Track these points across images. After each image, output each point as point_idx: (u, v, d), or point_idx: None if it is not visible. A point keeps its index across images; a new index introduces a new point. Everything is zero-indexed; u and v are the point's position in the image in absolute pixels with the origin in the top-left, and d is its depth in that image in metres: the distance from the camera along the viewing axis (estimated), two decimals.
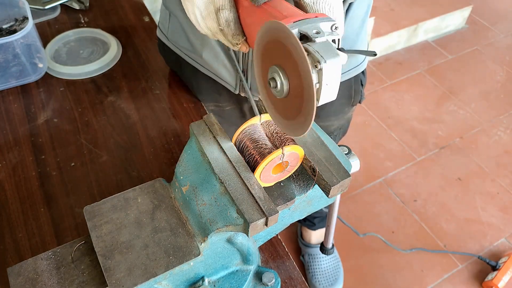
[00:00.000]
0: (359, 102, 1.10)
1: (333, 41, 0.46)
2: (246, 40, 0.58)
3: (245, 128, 0.59)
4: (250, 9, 0.54)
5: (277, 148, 0.56)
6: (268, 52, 0.48)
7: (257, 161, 0.56)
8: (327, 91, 0.43)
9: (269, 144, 0.58)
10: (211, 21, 0.58)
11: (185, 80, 1.05)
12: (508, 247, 1.88)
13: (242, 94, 0.95)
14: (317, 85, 0.43)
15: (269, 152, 0.56)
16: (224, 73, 0.93)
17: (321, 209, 1.56)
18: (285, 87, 0.46)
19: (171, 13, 0.96)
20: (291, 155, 0.56)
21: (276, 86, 0.46)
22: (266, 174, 0.57)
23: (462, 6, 2.88)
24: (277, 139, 0.58)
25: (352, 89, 1.06)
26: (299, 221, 1.71)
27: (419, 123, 2.36)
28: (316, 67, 0.42)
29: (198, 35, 0.90)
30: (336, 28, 0.46)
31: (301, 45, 0.41)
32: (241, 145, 0.59)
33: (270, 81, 0.47)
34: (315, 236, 1.75)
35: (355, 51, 0.97)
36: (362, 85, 1.08)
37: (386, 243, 1.79)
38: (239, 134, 0.59)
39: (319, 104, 0.44)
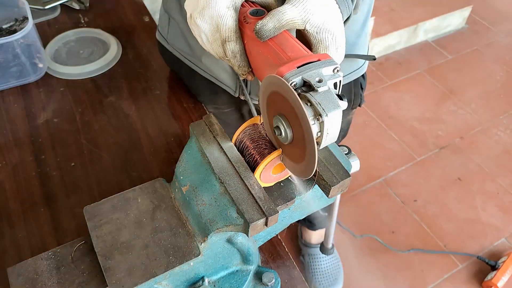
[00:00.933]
0: (359, 105, 1.10)
1: (335, 84, 0.49)
2: (251, 71, 0.59)
3: (245, 128, 0.59)
4: (256, 41, 0.55)
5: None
6: (273, 102, 0.51)
7: (257, 161, 0.56)
8: (328, 138, 0.47)
9: (269, 144, 0.58)
10: (217, 47, 0.59)
11: (185, 82, 1.05)
12: (508, 247, 1.88)
13: (242, 98, 0.95)
14: (319, 134, 0.46)
15: (269, 152, 0.56)
16: (224, 76, 0.93)
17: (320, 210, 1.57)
18: (289, 135, 0.49)
19: (171, 18, 0.95)
20: None
21: (281, 134, 0.50)
22: (266, 174, 0.57)
23: (462, 6, 2.88)
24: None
25: (352, 92, 1.06)
26: (299, 221, 1.71)
27: (419, 123, 2.36)
28: (318, 119, 0.45)
29: None
30: (338, 71, 0.49)
31: (301, 102, 0.44)
32: (241, 145, 0.59)
33: (275, 129, 0.51)
34: (315, 236, 1.75)
35: (355, 56, 0.97)
36: (362, 88, 1.08)
37: (383, 244, 1.78)
38: (239, 134, 0.59)
39: (320, 148, 0.48)
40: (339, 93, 0.49)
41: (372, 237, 1.82)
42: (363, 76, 1.06)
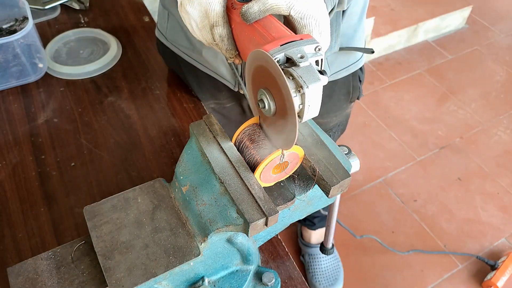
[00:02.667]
0: (357, 99, 1.11)
1: (316, 62, 0.51)
2: (239, 54, 0.62)
3: (245, 128, 0.59)
4: (242, 26, 0.57)
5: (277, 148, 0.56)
6: (257, 76, 0.53)
7: (257, 161, 0.56)
8: (310, 111, 0.49)
9: (269, 144, 0.58)
10: (206, 33, 0.61)
11: (185, 79, 1.05)
12: (508, 247, 1.88)
13: (241, 92, 0.96)
14: (301, 106, 0.48)
15: (269, 152, 0.56)
16: (224, 70, 0.93)
17: (321, 209, 1.56)
18: (272, 108, 0.52)
19: (169, 12, 0.96)
20: (291, 155, 0.56)
21: (264, 107, 0.52)
22: (266, 174, 0.57)
23: (462, 6, 2.88)
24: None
25: (351, 85, 1.06)
26: (299, 221, 1.71)
27: (419, 123, 2.36)
28: (299, 91, 0.48)
29: None
30: (319, 49, 0.51)
31: (284, 76, 0.47)
32: (241, 145, 0.59)
33: (259, 102, 0.53)
34: (315, 236, 1.75)
35: (353, 49, 0.97)
36: (360, 81, 1.08)
37: (383, 245, 1.78)
38: (239, 134, 0.59)
39: (302, 121, 0.50)
40: (321, 69, 0.51)
41: (372, 238, 1.82)
42: (361, 69, 1.07)
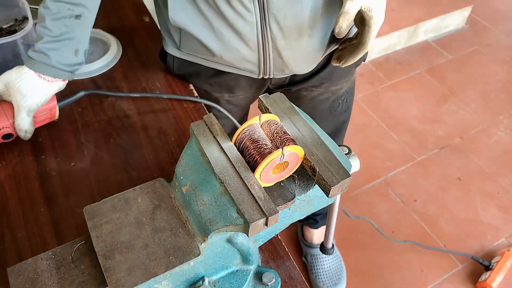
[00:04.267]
0: (363, 61, 1.13)
1: None
2: None
3: (245, 128, 0.59)
4: None
5: (277, 148, 0.56)
6: None
7: (257, 161, 0.56)
8: None
9: (269, 144, 0.58)
10: None
11: (201, 83, 1.06)
12: (506, 246, 1.88)
13: (266, 77, 1.00)
14: None
15: (269, 152, 0.56)
16: (246, 65, 0.96)
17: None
18: None
19: (182, 29, 0.95)
20: (291, 155, 0.56)
21: None
22: (266, 174, 0.57)
23: (462, 6, 2.88)
24: (278, 139, 0.58)
25: None
26: (300, 220, 1.71)
27: (419, 123, 2.36)
28: None
29: (216, 40, 0.92)
30: None
31: None
32: (241, 145, 0.59)
33: None
34: (317, 235, 1.75)
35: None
36: None
37: (378, 230, 1.76)
38: (239, 134, 0.59)
39: None
40: None
41: (369, 230, 1.81)
42: None
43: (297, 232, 1.87)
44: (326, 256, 1.72)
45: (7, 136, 0.87)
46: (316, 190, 0.60)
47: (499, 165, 2.18)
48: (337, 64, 0.93)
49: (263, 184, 0.57)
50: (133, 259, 0.56)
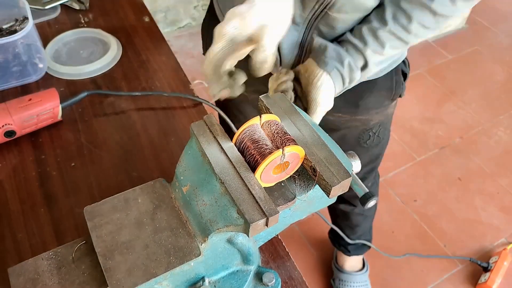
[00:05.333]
0: (400, 96, 1.05)
1: None
2: None
3: (245, 129, 0.59)
4: None
5: (278, 148, 0.56)
6: None
7: (258, 161, 0.56)
8: None
9: (270, 145, 0.58)
10: None
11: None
12: (502, 245, 1.88)
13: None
14: None
15: (270, 153, 0.56)
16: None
17: (356, 238, 1.52)
18: None
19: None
20: (292, 155, 0.56)
21: None
22: (267, 175, 0.56)
23: None
24: (278, 139, 0.58)
25: (393, 79, 1.00)
26: (335, 245, 1.70)
27: (419, 123, 2.36)
28: None
29: None
30: None
31: None
32: (242, 145, 0.59)
33: None
34: (349, 262, 1.72)
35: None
36: (404, 75, 1.02)
37: (379, 252, 1.74)
38: (239, 135, 0.59)
39: None
40: None
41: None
42: (404, 62, 1.01)
43: (298, 233, 1.87)
44: (355, 283, 1.70)
45: (9, 133, 0.87)
46: (316, 190, 0.60)
47: (499, 165, 2.18)
48: None
49: (264, 185, 0.57)
50: (133, 260, 0.56)
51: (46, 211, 0.81)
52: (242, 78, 0.72)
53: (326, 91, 0.75)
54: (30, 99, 0.91)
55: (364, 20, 0.80)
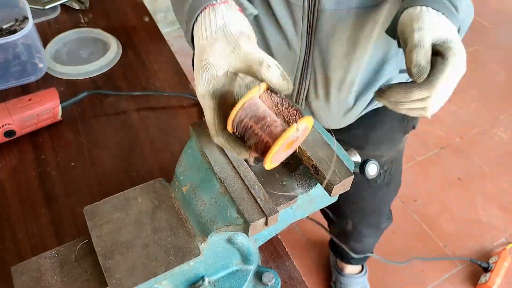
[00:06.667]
0: (413, 128, 0.99)
1: None
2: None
3: (245, 104, 0.49)
4: None
5: (286, 121, 0.49)
6: None
7: (268, 143, 0.48)
8: None
9: (278, 120, 0.49)
10: None
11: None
12: (502, 245, 1.88)
13: None
14: None
15: (283, 130, 0.47)
16: None
17: (355, 250, 1.45)
18: None
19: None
20: (304, 129, 0.50)
21: None
22: (277, 155, 0.50)
23: None
24: (285, 111, 0.49)
25: None
26: (336, 256, 1.68)
27: (419, 123, 2.35)
28: None
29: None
30: None
31: None
32: (242, 127, 0.49)
33: None
34: (350, 267, 1.71)
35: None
36: None
37: (381, 260, 1.73)
38: (237, 112, 0.49)
39: None
40: None
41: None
42: None
43: (297, 231, 1.87)
44: (355, 286, 1.68)
45: (9, 133, 0.87)
46: (318, 189, 0.60)
47: (499, 165, 2.18)
48: (380, 101, 0.66)
49: (271, 166, 0.50)
50: (133, 259, 0.56)
51: (46, 211, 0.81)
52: None
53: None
54: (30, 99, 0.91)
55: None
